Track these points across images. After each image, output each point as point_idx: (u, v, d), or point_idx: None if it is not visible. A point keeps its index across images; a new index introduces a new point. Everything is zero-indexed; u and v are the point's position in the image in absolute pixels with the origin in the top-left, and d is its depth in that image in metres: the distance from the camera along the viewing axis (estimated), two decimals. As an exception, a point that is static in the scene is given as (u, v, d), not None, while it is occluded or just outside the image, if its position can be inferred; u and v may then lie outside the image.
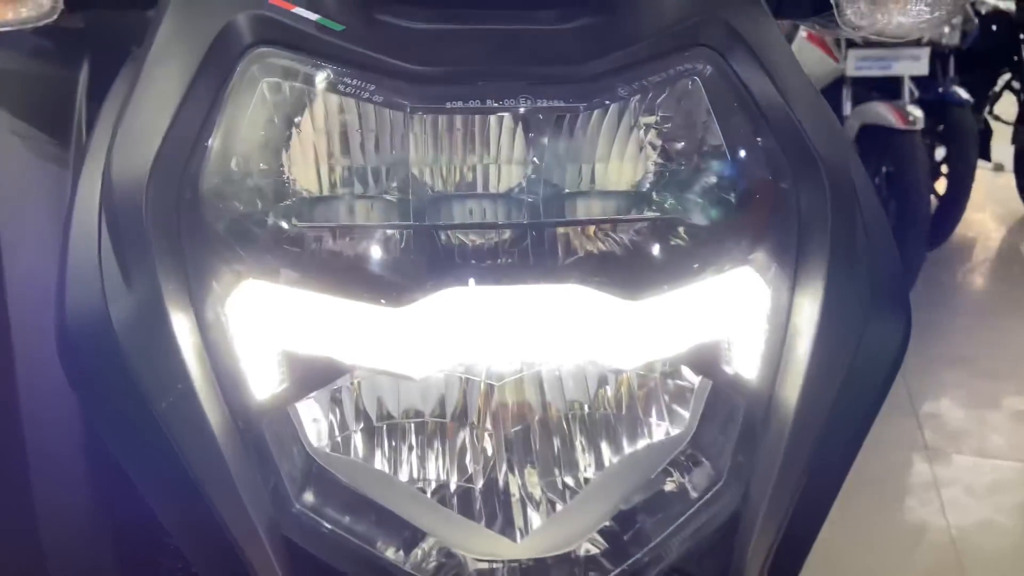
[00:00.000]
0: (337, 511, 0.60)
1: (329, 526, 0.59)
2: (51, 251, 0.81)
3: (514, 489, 0.63)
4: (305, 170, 0.63)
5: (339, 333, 0.57)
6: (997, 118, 4.98)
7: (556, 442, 0.65)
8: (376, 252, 0.60)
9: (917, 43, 3.39)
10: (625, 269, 0.60)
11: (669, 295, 0.59)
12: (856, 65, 3.41)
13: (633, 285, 0.58)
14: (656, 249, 0.62)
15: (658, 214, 0.65)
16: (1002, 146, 4.91)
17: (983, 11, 4.50)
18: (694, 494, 0.62)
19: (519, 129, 0.62)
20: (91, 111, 0.85)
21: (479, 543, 0.61)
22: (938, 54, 3.60)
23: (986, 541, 2.09)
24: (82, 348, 0.56)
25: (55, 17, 0.75)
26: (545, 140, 0.62)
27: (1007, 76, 4.85)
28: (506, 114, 0.61)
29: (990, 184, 5.60)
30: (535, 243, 0.61)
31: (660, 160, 0.66)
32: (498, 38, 0.64)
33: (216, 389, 0.56)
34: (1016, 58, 4.70)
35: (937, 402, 2.76)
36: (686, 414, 0.65)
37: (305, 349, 0.57)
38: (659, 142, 0.66)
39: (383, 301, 0.56)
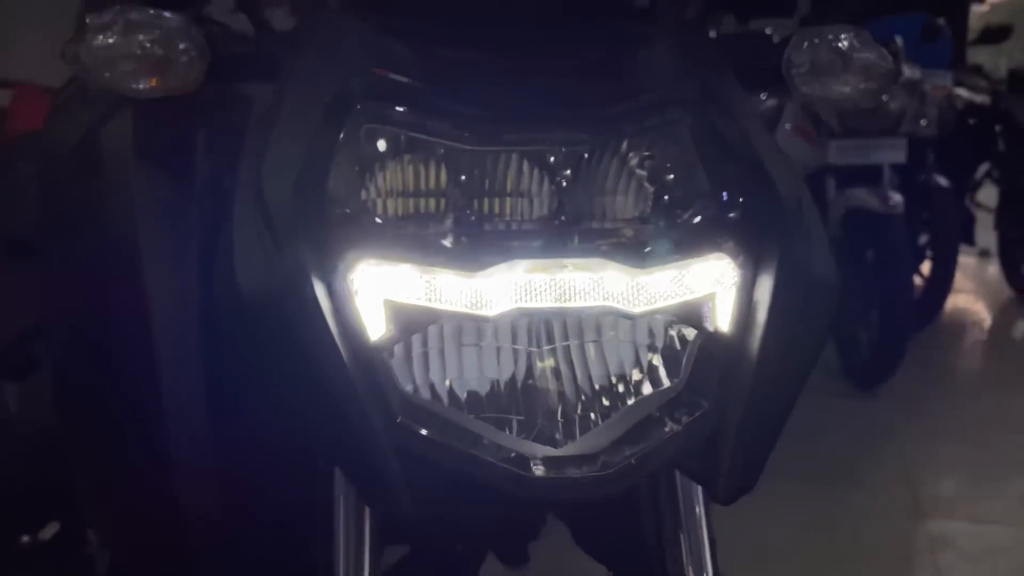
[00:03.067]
0: (430, 424, 0.82)
1: (425, 431, 0.81)
2: (183, 272, 1.04)
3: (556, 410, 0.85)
4: (388, 192, 0.87)
5: (431, 292, 0.81)
6: (979, 205, 5.21)
7: (586, 389, 0.87)
8: (456, 239, 0.85)
9: (893, 133, 3.62)
10: (634, 251, 0.84)
11: (666, 268, 0.84)
12: (837, 155, 3.60)
13: (640, 261, 0.83)
14: (655, 241, 0.86)
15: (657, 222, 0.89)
16: (988, 232, 5.13)
17: (960, 105, 4.77)
18: (686, 417, 0.85)
19: (550, 169, 0.86)
20: (211, 166, 1.08)
21: (531, 449, 0.83)
22: (917, 144, 3.79)
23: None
24: (248, 306, 0.80)
25: (195, 88, 0.93)
26: (569, 173, 0.86)
27: (987, 166, 5.09)
28: (541, 156, 0.85)
29: (976, 270, 5.80)
30: (567, 237, 0.86)
31: (655, 193, 0.90)
32: (539, 89, 0.88)
33: (342, 335, 0.79)
34: (993, 149, 4.96)
35: (931, 472, 2.85)
36: (680, 366, 0.88)
37: (405, 303, 0.81)
38: (653, 179, 0.90)
39: (463, 269, 0.80)
